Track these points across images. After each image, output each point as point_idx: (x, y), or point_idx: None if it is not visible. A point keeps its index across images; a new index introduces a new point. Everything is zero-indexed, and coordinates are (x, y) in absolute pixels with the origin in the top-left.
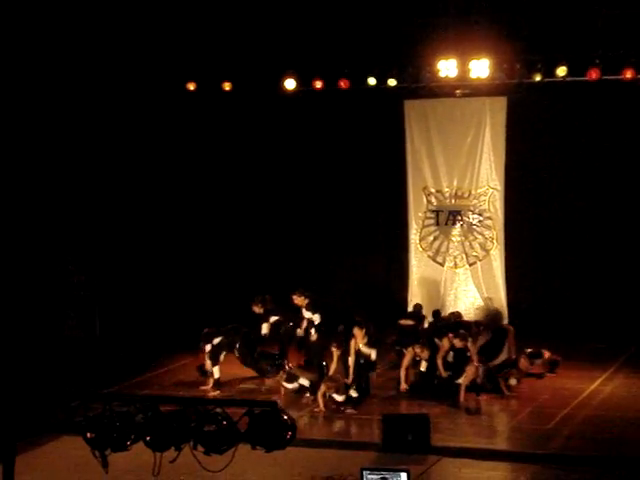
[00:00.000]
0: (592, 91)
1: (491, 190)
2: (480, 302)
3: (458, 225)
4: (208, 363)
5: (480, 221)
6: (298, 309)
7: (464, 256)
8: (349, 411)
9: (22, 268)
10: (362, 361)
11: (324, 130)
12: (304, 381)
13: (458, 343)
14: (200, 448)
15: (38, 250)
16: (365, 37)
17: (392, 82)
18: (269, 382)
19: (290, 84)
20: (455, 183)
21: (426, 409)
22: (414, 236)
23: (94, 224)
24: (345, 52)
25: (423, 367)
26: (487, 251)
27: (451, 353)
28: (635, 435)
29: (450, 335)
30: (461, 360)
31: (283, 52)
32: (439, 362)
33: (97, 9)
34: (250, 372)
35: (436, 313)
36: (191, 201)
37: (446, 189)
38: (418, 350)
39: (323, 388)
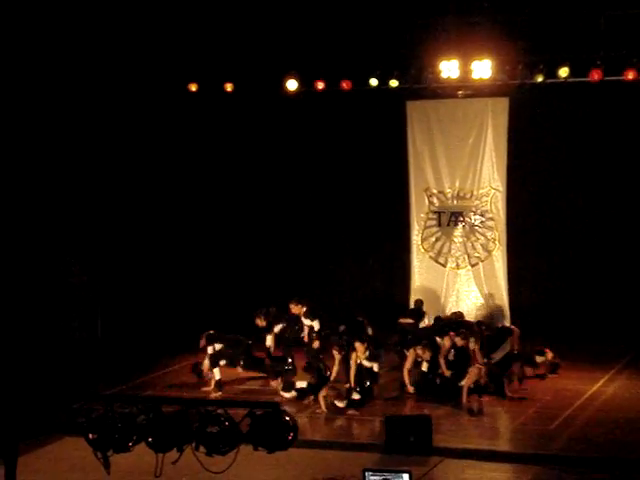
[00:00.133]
0: (594, 92)
1: (493, 191)
2: (482, 303)
3: (460, 226)
4: (206, 364)
5: (482, 222)
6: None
7: (466, 257)
8: (351, 412)
9: (25, 269)
10: (363, 373)
11: (326, 131)
12: (301, 383)
13: (459, 341)
14: (202, 449)
15: (41, 251)
16: (367, 38)
17: (394, 83)
18: (272, 383)
19: (292, 85)
20: (457, 184)
21: (428, 410)
22: (416, 237)
23: (97, 225)
24: (347, 53)
25: (424, 367)
26: (489, 252)
27: (452, 352)
28: (637, 436)
29: (451, 334)
30: (462, 359)
31: (285, 53)
32: (441, 361)
33: (99, 10)
34: (252, 373)
35: (437, 319)
36: (193, 201)
37: (448, 190)
38: (420, 351)
39: (324, 391)
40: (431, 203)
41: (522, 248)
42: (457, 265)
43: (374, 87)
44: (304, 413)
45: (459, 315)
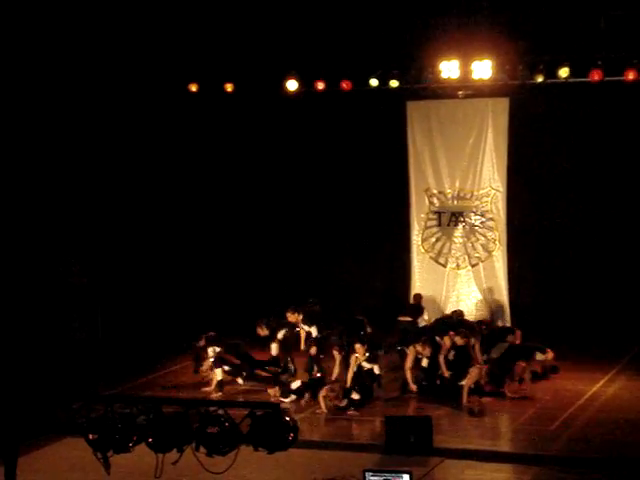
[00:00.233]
0: (594, 92)
1: (493, 191)
2: (482, 303)
3: (460, 226)
4: (207, 363)
5: (482, 222)
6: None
7: (466, 257)
8: (351, 412)
9: (25, 270)
10: (363, 374)
11: (326, 131)
12: (295, 384)
13: (459, 341)
14: (202, 450)
15: (41, 252)
16: (367, 38)
17: (394, 83)
18: (269, 391)
19: (292, 85)
20: (457, 184)
21: (429, 411)
22: (416, 237)
23: (97, 226)
24: (347, 53)
25: (424, 363)
26: (489, 252)
27: (452, 352)
28: (637, 437)
29: (451, 333)
30: (462, 358)
31: (285, 53)
32: (441, 361)
33: (100, 11)
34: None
35: (438, 320)
36: (193, 202)
37: (448, 190)
38: (419, 348)
39: (324, 391)
40: (431, 203)
41: (522, 248)
42: (457, 265)
43: (374, 87)
44: (304, 414)
45: (459, 313)
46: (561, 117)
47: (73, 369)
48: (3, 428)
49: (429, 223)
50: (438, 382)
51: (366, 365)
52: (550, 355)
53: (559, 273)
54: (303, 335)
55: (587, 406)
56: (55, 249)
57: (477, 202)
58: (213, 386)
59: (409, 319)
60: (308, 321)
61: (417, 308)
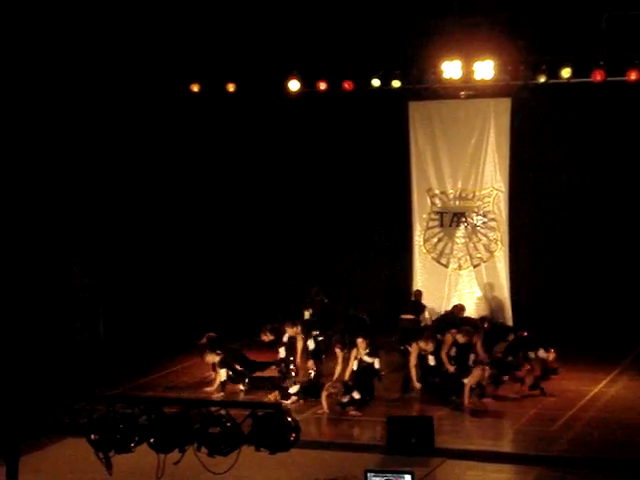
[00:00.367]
0: (596, 93)
1: (495, 191)
2: (484, 304)
3: (462, 227)
4: (209, 359)
5: (484, 222)
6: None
7: (468, 258)
8: (353, 413)
9: (26, 270)
10: (363, 369)
11: (328, 132)
12: (294, 389)
13: (461, 339)
14: (204, 450)
15: (42, 252)
16: (369, 38)
17: (396, 84)
18: (269, 396)
19: (294, 85)
20: (459, 185)
21: (430, 411)
22: (418, 238)
23: (99, 227)
24: (349, 53)
25: (432, 361)
26: (491, 252)
27: (454, 348)
28: (639, 437)
29: (453, 331)
30: (465, 356)
31: (287, 53)
32: (444, 357)
33: (101, 11)
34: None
35: (438, 319)
36: (195, 202)
37: (450, 191)
38: (422, 344)
39: (327, 390)
40: (433, 204)
41: (524, 249)
42: (459, 266)
43: (376, 88)
44: (306, 414)
45: (460, 308)
46: (563, 117)
47: (75, 369)
48: (5, 428)
49: (431, 224)
50: (438, 380)
51: (367, 359)
52: (552, 355)
53: (561, 273)
54: (300, 346)
55: (589, 407)
56: (56, 249)
57: (479, 202)
58: (215, 386)
59: (411, 317)
60: (307, 332)
61: (418, 305)
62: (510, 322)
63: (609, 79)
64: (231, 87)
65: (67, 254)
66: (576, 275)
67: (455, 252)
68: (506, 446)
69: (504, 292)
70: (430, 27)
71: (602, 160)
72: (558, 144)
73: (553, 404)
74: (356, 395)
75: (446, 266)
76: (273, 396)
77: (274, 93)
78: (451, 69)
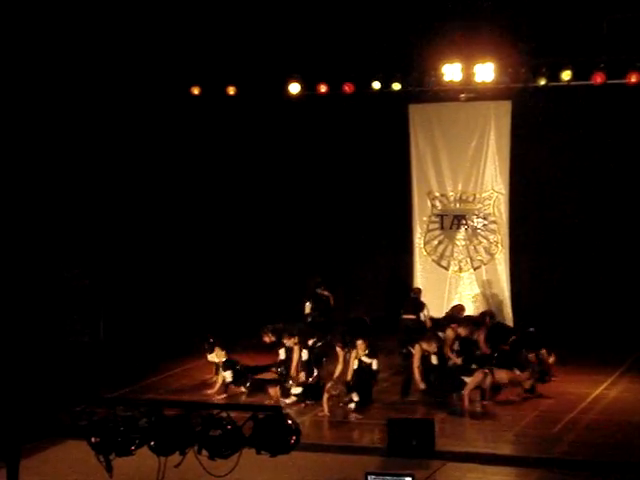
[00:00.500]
0: (597, 95)
1: (496, 194)
2: (484, 306)
3: (463, 229)
4: (210, 357)
5: (485, 225)
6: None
7: (469, 260)
8: (354, 415)
9: (26, 272)
10: (362, 370)
11: (329, 134)
12: (296, 390)
13: (463, 332)
14: (204, 453)
15: (42, 254)
16: (370, 41)
17: (397, 86)
18: (270, 392)
19: (294, 88)
20: (460, 187)
21: (431, 414)
22: (418, 240)
23: (99, 228)
24: (350, 56)
25: (435, 360)
26: (492, 255)
27: (457, 343)
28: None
29: (454, 325)
30: (468, 349)
31: (287, 56)
32: (448, 352)
33: (102, 13)
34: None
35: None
36: (195, 205)
37: (451, 193)
38: (425, 345)
39: (328, 393)
40: (434, 206)
41: (525, 251)
42: (460, 268)
43: (377, 90)
44: (307, 416)
45: (460, 308)
46: (563, 120)
47: (75, 372)
48: (5, 430)
49: (431, 226)
50: (436, 381)
51: (366, 360)
52: (552, 359)
53: (562, 276)
54: (296, 357)
55: (589, 409)
56: (56, 251)
57: (479, 205)
58: (216, 388)
59: (412, 317)
60: (304, 342)
61: (418, 303)
62: (510, 324)
63: (609, 82)
64: (231, 90)
65: (67, 256)
66: (577, 277)
67: (455, 254)
68: (507, 449)
69: (504, 294)
70: (430, 30)
71: (603, 162)
72: (558, 146)
73: (554, 406)
74: (355, 397)
75: (446, 268)
76: (273, 391)
77: (274, 96)
78: (451, 72)
